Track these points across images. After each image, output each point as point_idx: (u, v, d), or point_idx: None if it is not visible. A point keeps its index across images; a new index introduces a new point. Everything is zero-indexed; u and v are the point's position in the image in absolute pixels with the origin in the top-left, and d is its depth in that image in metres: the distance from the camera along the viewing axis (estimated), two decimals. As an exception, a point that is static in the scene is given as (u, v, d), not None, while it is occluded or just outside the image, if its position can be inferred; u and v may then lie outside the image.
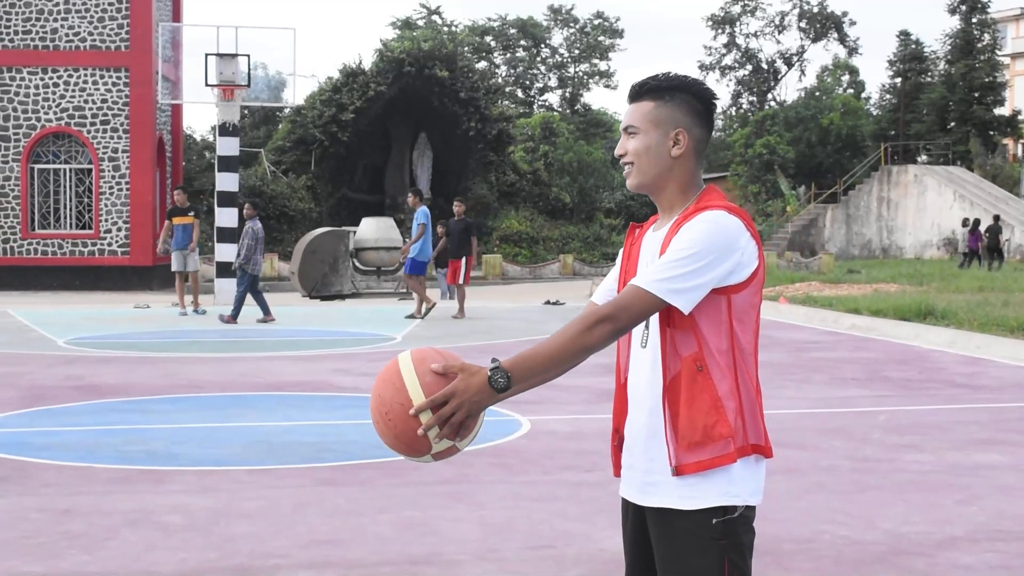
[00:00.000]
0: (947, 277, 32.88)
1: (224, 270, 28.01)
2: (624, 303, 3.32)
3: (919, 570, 6.54)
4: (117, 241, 38.19)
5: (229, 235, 27.61)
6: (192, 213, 24.41)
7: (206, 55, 26.15)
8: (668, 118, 3.53)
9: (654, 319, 3.45)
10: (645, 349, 3.52)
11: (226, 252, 27.86)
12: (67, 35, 37.99)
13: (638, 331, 3.55)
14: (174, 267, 24.50)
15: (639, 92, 3.59)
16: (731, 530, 3.42)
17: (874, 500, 8.19)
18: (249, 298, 22.65)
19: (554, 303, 26.93)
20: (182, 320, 23.36)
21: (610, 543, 7.05)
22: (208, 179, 48.55)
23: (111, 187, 38.17)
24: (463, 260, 23.86)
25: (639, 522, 3.59)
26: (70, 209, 38.57)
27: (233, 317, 22.31)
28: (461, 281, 23.75)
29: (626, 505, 3.63)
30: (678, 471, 3.42)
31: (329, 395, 13.23)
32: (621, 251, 3.72)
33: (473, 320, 22.88)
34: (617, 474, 3.75)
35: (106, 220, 38.18)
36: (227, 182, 27.07)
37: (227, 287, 28.04)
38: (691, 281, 3.32)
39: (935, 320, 20.48)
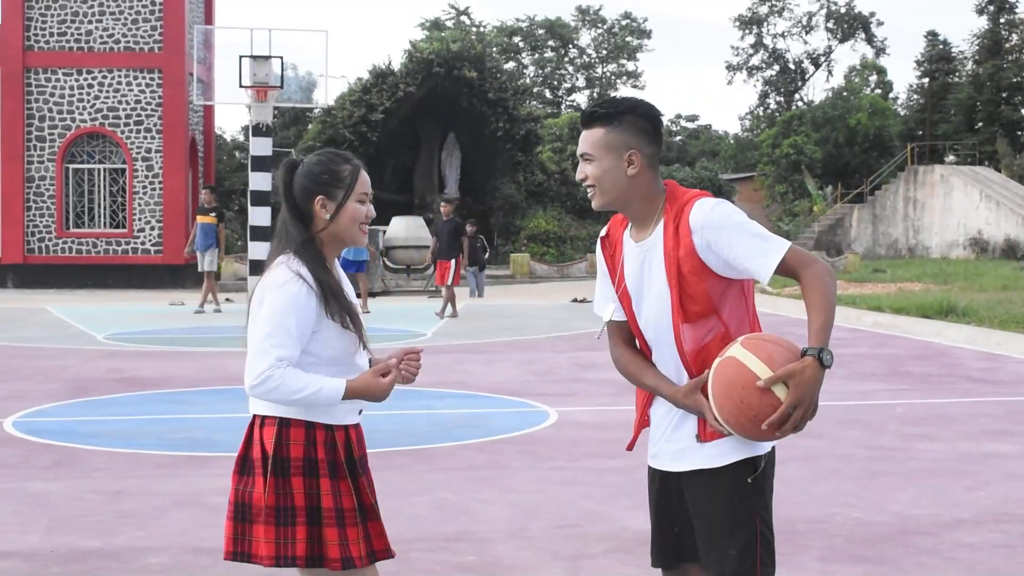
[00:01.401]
0: (971, 276, 33.12)
1: (257, 268, 28.43)
2: (808, 256, 3.81)
3: (926, 548, 6.91)
4: (150, 240, 38.70)
5: (262, 234, 28.00)
6: (215, 214, 24.83)
7: (240, 57, 26.55)
8: (619, 142, 3.89)
9: (671, 314, 3.88)
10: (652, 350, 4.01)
11: (259, 251, 28.26)
12: (101, 37, 38.52)
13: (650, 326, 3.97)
14: (200, 267, 25.01)
15: (589, 119, 3.95)
16: (759, 489, 3.89)
17: (886, 485, 8.56)
18: None
19: (581, 301, 27.30)
20: (217, 317, 23.84)
21: (633, 522, 7.43)
22: (239, 179, 49.04)
23: (144, 187, 38.68)
24: (452, 261, 24.00)
25: (665, 489, 4.01)
26: (104, 208, 39.08)
27: None
28: (450, 282, 23.72)
29: (653, 474, 4.05)
30: (703, 438, 3.86)
31: (363, 388, 13.62)
32: (602, 262, 4.12)
33: (502, 317, 23.30)
34: (631, 448, 4.17)
35: (139, 219, 38.69)
36: (260, 182, 27.42)
37: (259, 285, 28.43)
38: None
39: (956, 318, 20.79)
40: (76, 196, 39.03)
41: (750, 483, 3.88)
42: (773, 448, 3.97)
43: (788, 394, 3.61)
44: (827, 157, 64.77)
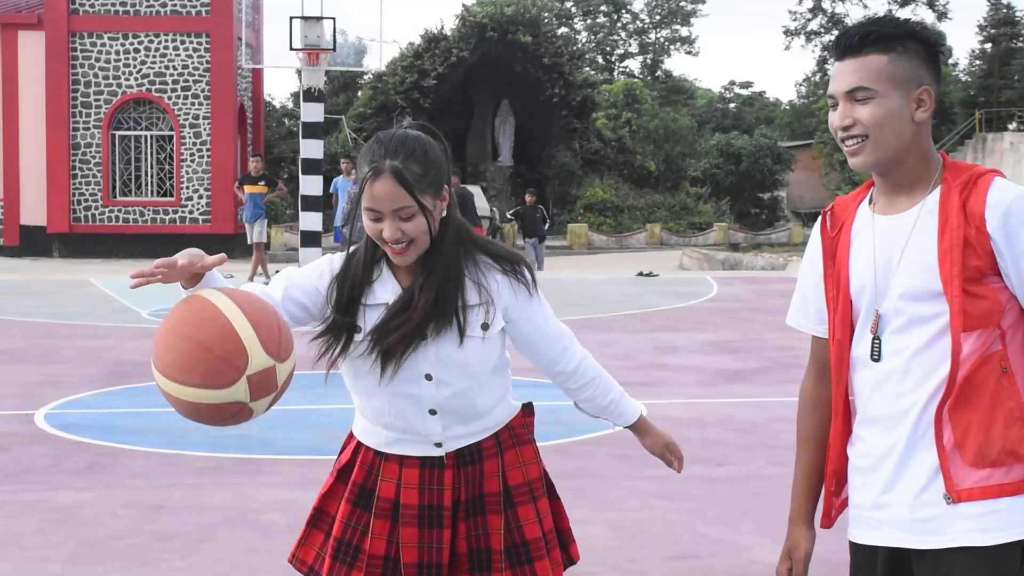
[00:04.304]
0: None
1: (309, 239, 27.44)
2: None
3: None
4: (198, 209, 37.80)
5: (313, 203, 27.01)
6: (264, 182, 23.55)
7: (291, 18, 25.51)
8: (908, 74, 2.80)
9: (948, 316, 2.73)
10: (880, 362, 2.81)
11: (310, 220, 27.28)
12: (148, 0, 37.55)
13: (864, 342, 2.84)
14: (249, 239, 23.67)
15: (862, 41, 2.80)
16: None
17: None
18: None
19: (647, 275, 26.12)
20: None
21: (760, 552, 6.33)
22: (288, 146, 48.13)
23: (192, 154, 37.75)
24: None
25: (893, 572, 2.87)
26: (151, 176, 38.20)
27: None
28: None
29: (870, 554, 2.91)
30: (959, 497, 2.71)
31: (426, 374, 12.55)
32: (815, 250, 2.99)
33: (566, 292, 22.07)
34: (828, 524, 3.06)
35: (187, 187, 37.79)
36: (312, 149, 26.42)
37: (311, 256, 27.44)
38: None
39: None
40: (123, 164, 38.15)
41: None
42: None
43: None
44: (887, 124, 63.26)
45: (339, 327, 3.27)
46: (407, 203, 3.12)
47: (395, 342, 3.22)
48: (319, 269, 3.35)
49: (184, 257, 3.02)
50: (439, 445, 3.35)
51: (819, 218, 2.99)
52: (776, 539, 6.61)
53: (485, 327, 3.28)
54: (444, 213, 3.23)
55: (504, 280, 3.32)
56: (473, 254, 3.30)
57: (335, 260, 3.34)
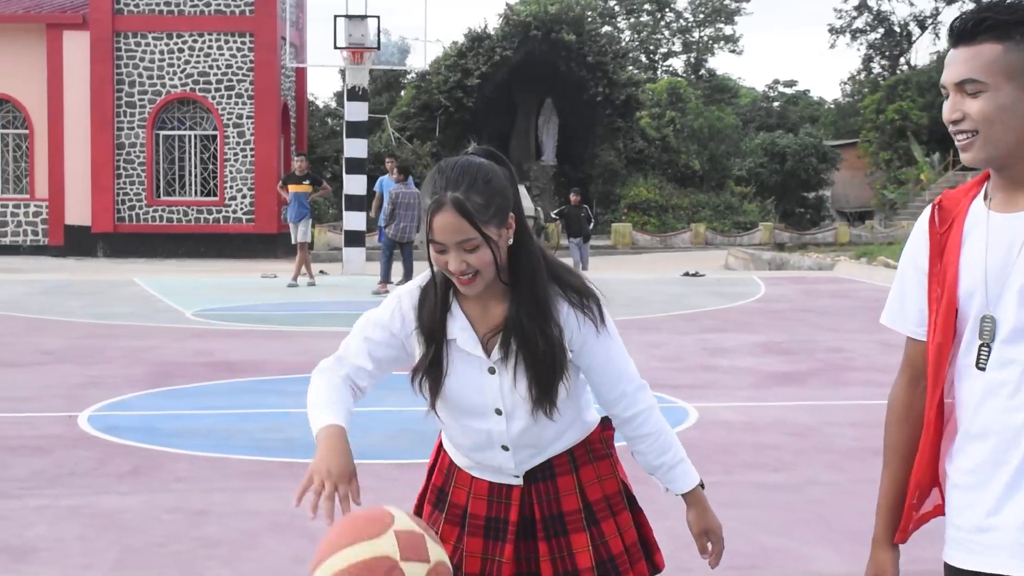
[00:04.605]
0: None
1: (353, 239, 27.34)
2: None
3: None
4: (242, 208, 37.77)
5: (357, 203, 26.90)
6: (308, 182, 23.41)
7: (335, 17, 25.40)
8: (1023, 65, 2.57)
9: None
10: (988, 372, 2.60)
11: (354, 220, 27.17)
12: (192, 0, 37.55)
13: (970, 349, 2.63)
14: (293, 239, 23.52)
15: (975, 29, 2.58)
16: None
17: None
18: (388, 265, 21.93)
19: (693, 275, 25.88)
20: (311, 291, 22.69)
21: (823, 563, 6.14)
22: (331, 146, 48.08)
23: (236, 154, 37.73)
24: None
25: None
26: (195, 176, 38.20)
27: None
28: None
29: None
30: None
31: (473, 375, 12.37)
32: (922, 246, 2.77)
33: (612, 292, 21.80)
34: (903, 539, 2.87)
35: (231, 187, 37.77)
36: (356, 148, 26.32)
37: (355, 256, 27.35)
38: None
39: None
40: (167, 163, 38.17)
41: None
42: None
43: None
44: (933, 123, 62.64)
45: (426, 369, 3.22)
46: (470, 235, 3.00)
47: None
48: (389, 312, 3.28)
49: (333, 480, 3.09)
50: (517, 477, 3.29)
51: (927, 212, 2.77)
52: (838, 550, 6.43)
53: None
54: (511, 240, 3.10)
55: (571, 312, 3.17)
56: (546, 283, 3.18)
57: (403, 299, 3.26)
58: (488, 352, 3.15)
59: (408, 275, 21.77)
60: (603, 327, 3.19)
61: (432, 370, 3.18)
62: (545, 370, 3.10)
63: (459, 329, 3.17)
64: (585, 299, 3.18)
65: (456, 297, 3.18)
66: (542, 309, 3.11)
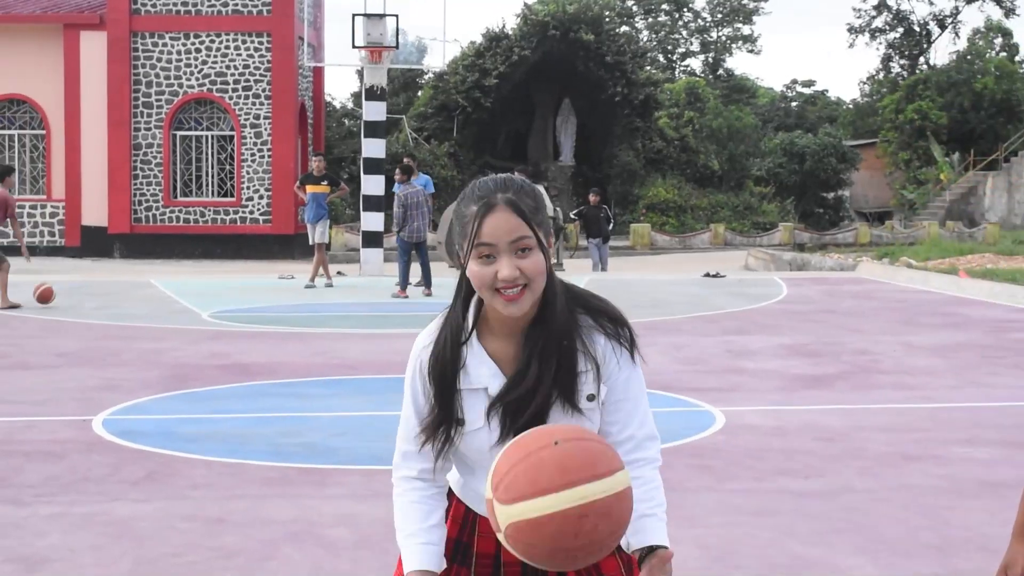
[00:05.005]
0: None
1: (370, 239, 27.14)
2: None
3: None
4: (259, 209, 37.65)
5: (375, 203, 26.71)
6: (326, 182, 23.25)
7: (353, 15, 25.24)
8: None
9: None
10: None
11: (372, 221, 26.97)
12: (209, 0, 37.42)
13: None
14: (311, 240, 23.31)
15: None
16: None
17: None
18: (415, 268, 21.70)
19: (714, 275, 25.64)
20: (329, 292, 22.50)
21: (860, 573, 5.90)
22: (348, 147, 47.93)
23: (253, 154, 37.61)
24: None
25: None
26: (212, 176, 38.11)
27: (427, 287, 21.37)
28: None
29: None
30: None
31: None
32: None
33: (632, 294, 21.63)
34: None
35: (248, 188, 37.65)
36: (373, 148, 26.11)
37: (372, 257, 27.16)
38: None
39: None
40: (183, 164, 38.06)
41: None
42: None
43: None
44: (952, 123, 62.27)
45: (439, 422, 2.96)
46: (526, 233, 2.80)
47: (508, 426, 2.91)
48: (412, 373, 3.02)
49: None
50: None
51: None
52: (876, 560, 6.20)
53: (591, 398, 2.92)
54: None
55: (607, 344, 2.94)
56: (575, 313, 2.94)
57: (422, 354, 3.01)
58: None
59: (426, 277, 21.47)
60: (637, 355, 2.97)
61: (447, 424, 2.96)
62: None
63: (489, 376, 2.93)
64: (619, 327, 2.96)
65: (480, 340, 2.95)
66: (568, 339, 2.90)
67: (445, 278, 26.00)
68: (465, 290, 2.96)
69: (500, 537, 2.61)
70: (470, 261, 2.83)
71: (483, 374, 2.92)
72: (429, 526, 2.95)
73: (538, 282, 2.82)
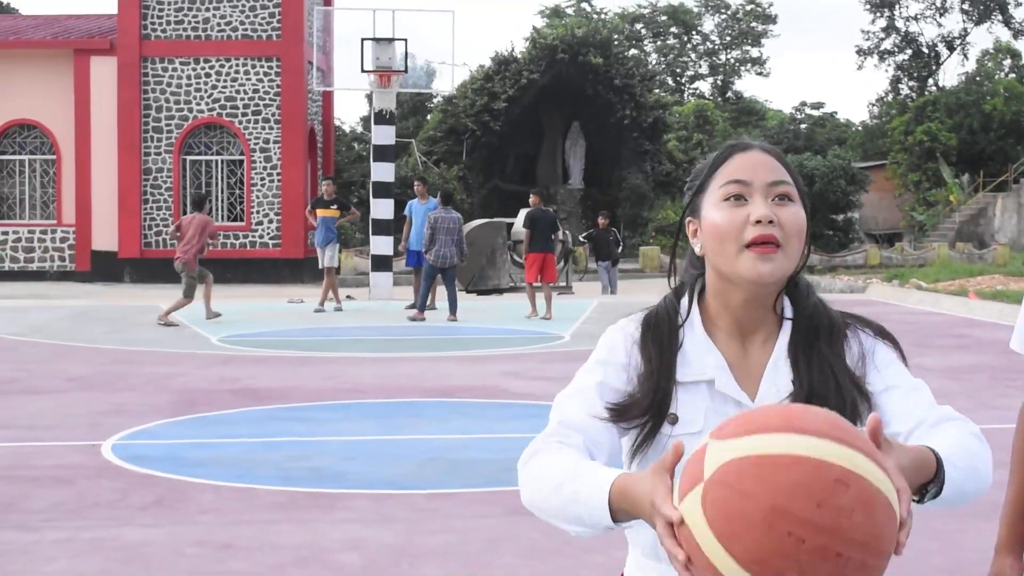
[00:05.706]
0: None
1: (380, 263, 27.16)
2: None
3: None
4: (269, 233, 37.68)
5: (384, 227, 26.74)
6: (336, 206, 23.25)
7: (362, 40, 25.30)
8: None
9: None
10: None
11: (381, 244, 27.00)
12: (219, 25, 37.53)
13: None
14: (320, 263, 23.29)
15: None
16: None
17: None
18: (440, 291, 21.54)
19: (723, 298, 25.59)
20: (338, 316, 22.50)
21: None
22: (357, 171, 48.02)
23: (262, 178, 37.66)
24: (543, 256, 21.97)
25: None
26: (221, 201, 38.13)
27: (451, 313, 20.91)
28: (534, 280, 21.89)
29: None
30: None
31: (502, 402, 12.15)
32: None
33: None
34: None
35: (257, 212, 37.68)
36: (382, 172, 26.17)
37: (382, 281, 27.17)
38: None
39: None
40: (194, 188, 38.11)
41: None
42: None
43: None
44: (961, 144, 62.30)
45: (646, 408, 2.29)
46: (786, 178, 2.28)
47: None
48: (617, 347, 2.37)
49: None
50: None
51: None
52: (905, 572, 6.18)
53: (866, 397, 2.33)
54: None
55: (874, 340, 2.38)
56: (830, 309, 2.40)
57: (628, 326, 2.40)
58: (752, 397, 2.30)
59: (452, 302, 21.06)
60: (905, 362, 2.37)
61: (655, 417, 2.29)
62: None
63: (716, 368, 2.31)
64: (885, 334, 2.38)
65: (706, 329, 2.36)
66: (836, 335, 2.34)
67: (472, 301, 25.97)
68: (685, 273, 2.48)
69: (693, 497, 1.74)
70: (710, 209, 2.30)
71: (708, 364, 2.31)
72: (581, 458, 2.19)
73: (794, 245, 2.26)
